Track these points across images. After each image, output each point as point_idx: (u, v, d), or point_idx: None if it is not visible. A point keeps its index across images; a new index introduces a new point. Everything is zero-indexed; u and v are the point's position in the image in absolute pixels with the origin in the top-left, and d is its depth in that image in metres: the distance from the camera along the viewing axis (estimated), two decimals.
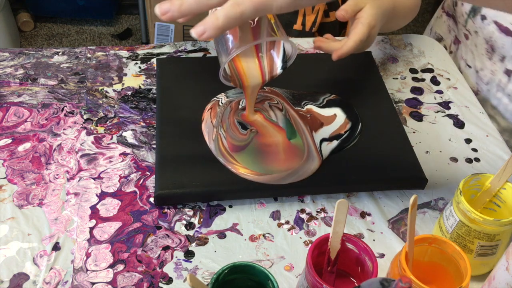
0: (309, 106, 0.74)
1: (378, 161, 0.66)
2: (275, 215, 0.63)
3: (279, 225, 0.62)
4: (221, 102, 0.74)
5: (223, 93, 0.75)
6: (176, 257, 0.58)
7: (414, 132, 0.74)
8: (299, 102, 0.75)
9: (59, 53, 0.82)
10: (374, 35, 0.73)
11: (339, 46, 0.70)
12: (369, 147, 0.68)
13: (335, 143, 0.68)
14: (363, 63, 0.81)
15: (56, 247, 0.57)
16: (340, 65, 0.77)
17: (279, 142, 0.68)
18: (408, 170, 0.66)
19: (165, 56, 0.82)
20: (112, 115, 0.73)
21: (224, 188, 0.63)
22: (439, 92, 0.81)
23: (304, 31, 0.96)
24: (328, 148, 0.68)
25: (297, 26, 0.95)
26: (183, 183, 0.62)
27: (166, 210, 0.62)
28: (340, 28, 1.04)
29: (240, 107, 0.74)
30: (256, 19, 0.58)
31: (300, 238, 0.60)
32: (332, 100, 0.75)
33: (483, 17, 0.79)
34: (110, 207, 0.62)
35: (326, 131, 0.70)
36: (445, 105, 0.79)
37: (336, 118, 0.72)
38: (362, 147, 0.68)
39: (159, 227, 0.60)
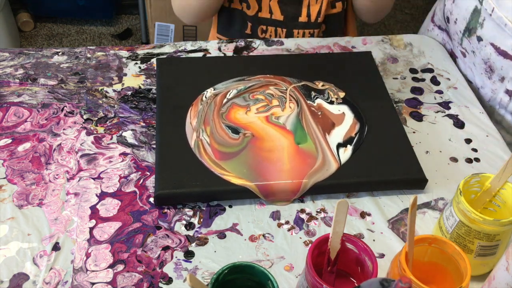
0: (319, 101, 0.73)
1: (378, 161, 0.66)
2: (275, 215, 0.62)
3: (279, 225, 0.62)
4: (205, 97, 0.71)
5: (212, 87, 0.73)
6: (176, 257, 0.58)
7: (414, 132, 0.74)
8: (309, 94, 0.74)
9: (59, 53, 0.82)
10: None
11: None
12: (369, 147, 0.68)
13: (349, 148, 0.67)
14: (363, 63, 0.81)
15: (56, 247, 0.57)
16: (340, 65, 0.77)
17: (284, 147, 0.66)
18: (408, 171, 0.66)
19: (165, 56, 0.82)
20: (112, 115, 0.72)
21: (224, 188, 0.62)
22: (439, 92, 0.81)
23: (310, 22, 0.96)
24: (346, 155, 0.66)
25: (303, 18, 0.95)
26: (183, 183, 0.62)
27: (166, 210, 0.62)
28: (345, 19, 1.04)
29: (225, 100, 0.71)
30: None
31: (300, 238, 0.60)
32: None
33: (479, 38, 0.79)
34: (110, 207, 0.62)
35: (338, 133, 0.69)
36: (445, 105, 0.79)
37: (345, 117, 0.71)
38: (363, 147, 0.68)
39: (159, 227, 0.60)
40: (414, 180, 0.65)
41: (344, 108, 0.73)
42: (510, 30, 0.74)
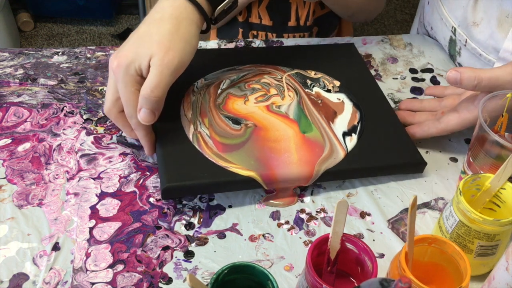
0: (316, 89, 0.72)
1: (377, 148, 0.66)
2: (275, 215, 0.62)
3: (279, 225, 0.62)
4: (197, 87, 0.69)
5: (202, 78, 0.71)
6: (176, 257, 0.58)
7: None
8: (305, 82, 0.73)
9: (59, 53, 0.82)
10: None
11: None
12: (367, 135, 0.67)
13: (354, 137, 0.66)
14: (347, 54, 0.82)
15: (55, 247, 0.57)
16: (325, 56, 0.77)
17: (290, 137, 0.65)
18: (406, 155, 0.66)
19: None
20: None
21: (234, 179, 0.60)
22: None
23: (299, 26, 0.95)
24: (352, 144, 0.65)
25: (292, 22, 0.95)
26: (190, 175, 0.60)
27: (166, 210, 0.62)
28: (339, 18, 1.04)
29: (219, 90, 0.69)
30: None
31: (300, 238, 0.60)
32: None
33: (460, 65, 0.82)
34: (110, 207, 0.62)
35: (342, 122, 0.68)
36: None
37: (345, 106, 0.71)
38: (362, 135, 0.68)
39: (158, 227, 0.60)
40: (414, 163, 0.66)
41: (343, 97, 0.72)
42: (485, 59, 0.75)
